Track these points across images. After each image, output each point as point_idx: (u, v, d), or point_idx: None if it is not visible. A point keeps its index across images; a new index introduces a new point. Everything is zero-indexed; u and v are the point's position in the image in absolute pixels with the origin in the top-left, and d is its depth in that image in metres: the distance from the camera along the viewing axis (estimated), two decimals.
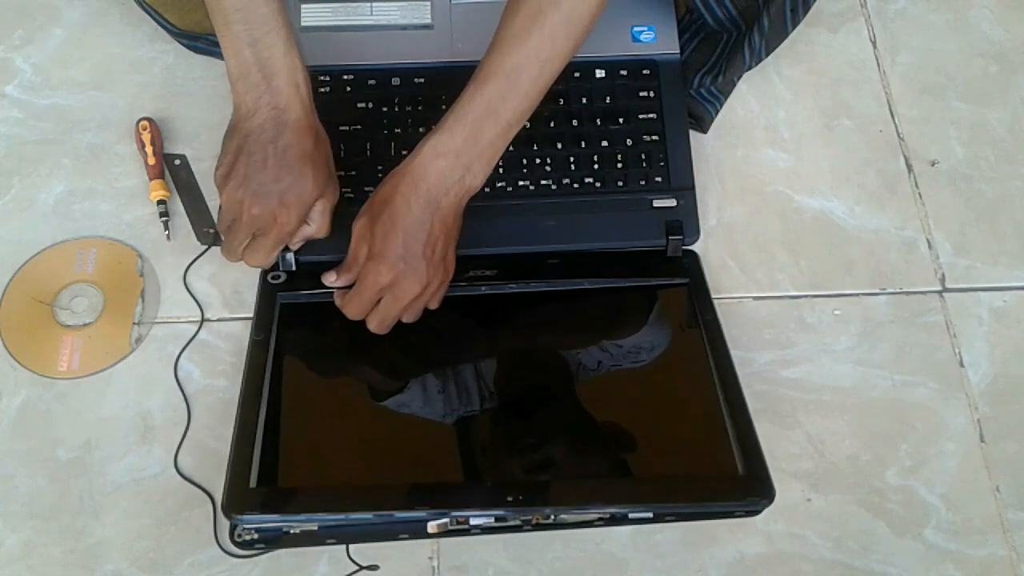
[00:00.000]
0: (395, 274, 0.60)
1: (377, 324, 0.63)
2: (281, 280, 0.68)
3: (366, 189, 0.71)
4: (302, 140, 0.60)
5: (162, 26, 0.77)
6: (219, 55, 0.78)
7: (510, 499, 0.55)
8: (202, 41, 0.78)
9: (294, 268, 0.68)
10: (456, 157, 0.60)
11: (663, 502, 0.56)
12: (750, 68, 0.76)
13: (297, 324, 0.67)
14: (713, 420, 0.62)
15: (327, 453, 0.61)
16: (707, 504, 0.56)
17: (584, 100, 0.74)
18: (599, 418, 0.64)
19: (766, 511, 0.59)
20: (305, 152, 0.61)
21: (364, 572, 0.61)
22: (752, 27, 0.73)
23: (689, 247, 0.71)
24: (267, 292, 0.68)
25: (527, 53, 0.58)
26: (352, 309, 0.63)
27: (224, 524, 0.61)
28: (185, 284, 0.71)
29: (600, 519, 0.58)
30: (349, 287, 0.63)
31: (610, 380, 0.66)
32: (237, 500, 0.54)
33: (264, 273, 0.69)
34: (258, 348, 0.64)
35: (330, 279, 0.64)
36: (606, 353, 0.68)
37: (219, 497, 0.63)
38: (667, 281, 0.70)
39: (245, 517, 0.54)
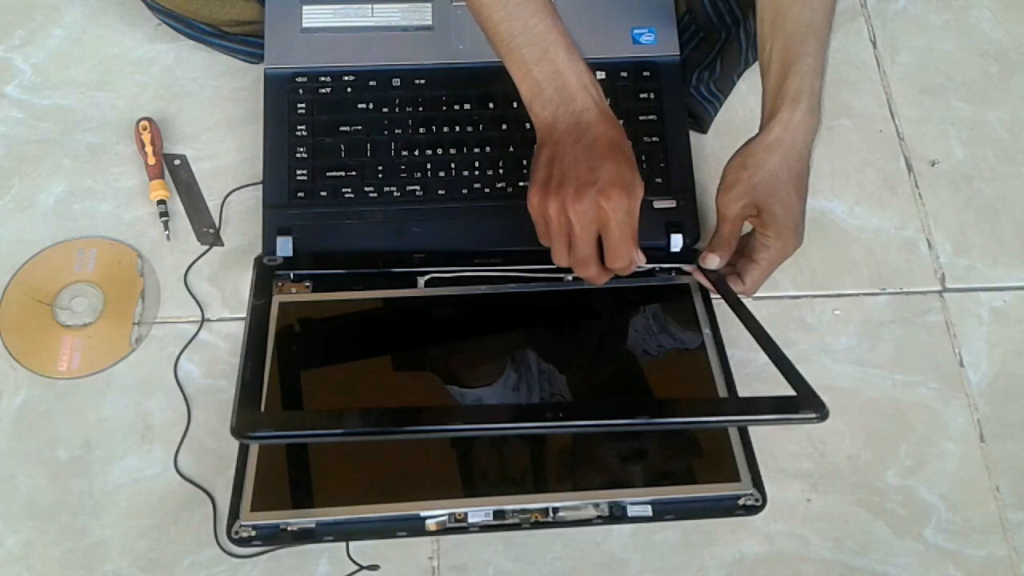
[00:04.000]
0: (799, 244, 0.63)
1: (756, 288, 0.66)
2: (277, 263, 0.68)
3: (366, 189, 0.71)
4: (608, 131, 0.59)
5: (148, 5, 0.77)
6: (204, 40, 0.79)
7: (549, 415, 0.52)
8: (180, 22, 0.77)
9: (291, 254, 0.68)
10: (819, 108, 0.61)
11: (716, 415, 0.55)
12: (747, 60, 0.76)
13: (293, 317, 0.67)
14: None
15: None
16: (759, 416, 0.55)
17: None
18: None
19: (766, 511, 0.59)
20: (614, 141, 0.59)
21: (364, 572, 0.61)
22: (747, 15, 0.73)
23: (691, 247, 0.72)
24: (263, 274, 0.67)
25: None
26: (755, 288, 0.65)
27: (224, 524, 0.61)
28: (186, 284, 0.71)
29: (600, 517, 0.58)
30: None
31: (613, 378, 0.66)
32: (248, 420, 0.52)
33: (259, 258, 0.68)
34: (260, 310, 0.63)
35: (713, 262, 0.65)
36: (608, 352, 0.68)
37: (219, 497, 0.63)
38: (669, 281, 0.70)
39: (257, 434, 0.51)
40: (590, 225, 0.58)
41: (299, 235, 0.69)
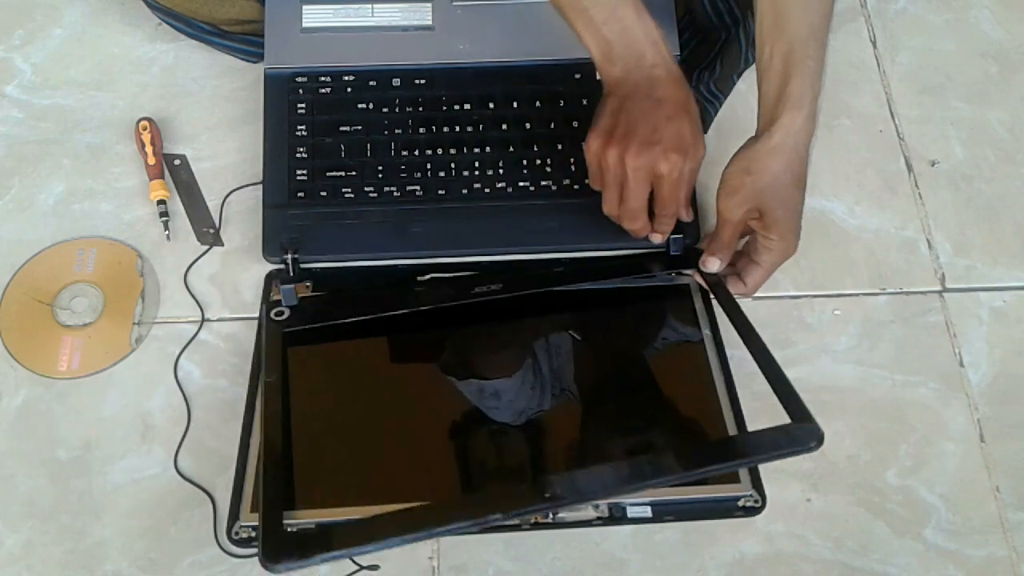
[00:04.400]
0: (797, 244, 0.64)
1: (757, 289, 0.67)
2: (285, 316, 0.66)
3: (366, 189, 0.71)
4: (676, 91, 0.61)
5: (147, 4, 0.77)
6: (204, 39, 0.79)
7: (548, 495, 0.51)
8: (180, 21, 0.77)
9: (296, 303, 0.66)
10: (818, 112, 0.61)
11: (714, 463, 0.54)
12: (747, 60, 0.76)
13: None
14: (716, 416, 0.63)
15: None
16: (758, 457, 0.55)
17: (585, 102, 0.74)
18: (605, 415, 0.64)
19: (766, 511, 0.59)
20: (680, 102, 0.61)
21: (364, 572, 0.61)
22: (746, 15, 0.73)
23: (691, 248, 0.72)
24: (272, 330, 0.66)
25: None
26: (756, 288, 0.66)
27: (224, 524, 0.61)
28: (186, 284, 0.71)
29: (599, 518, 0.58)
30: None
31: (615, 379, 0.66)
32: (276, 548, 0.50)
33: (267, 310, 0.67)
34: (273, 389, 0.61)
35: (714, 265, 0.66)
36: (609, 352, 0.68)
37: (219, 497, 0.63)
38: (669, 282, 0.70)
39: (285, 564, 0.50)
40: (644, 181, 0.61)
41: (301, 239, 0.69)
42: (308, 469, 0.59)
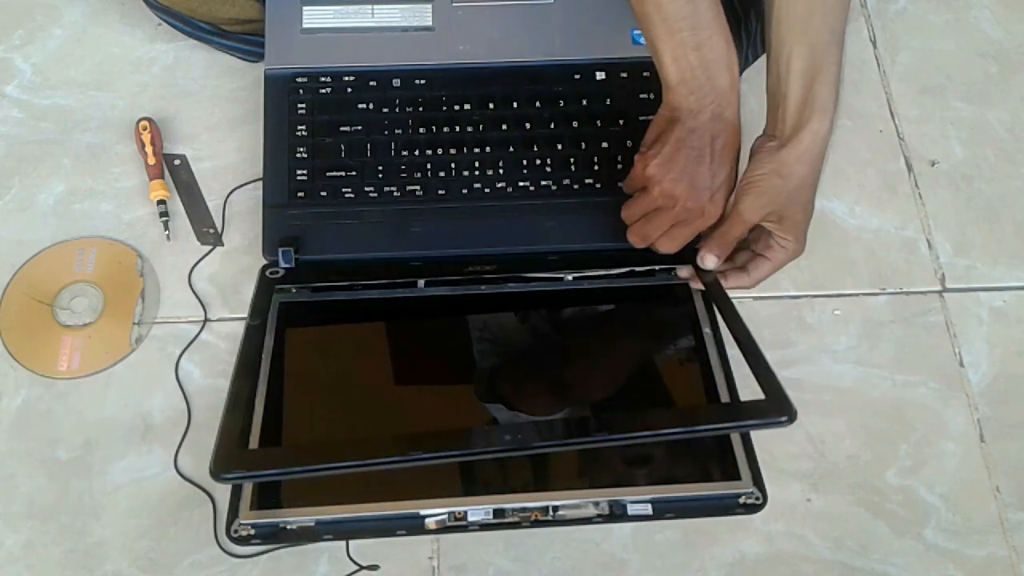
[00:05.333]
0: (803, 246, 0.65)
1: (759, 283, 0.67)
2: (279, 275, 0.68)
3: (366, 189, 0.71)
4: (735, 137, 0.61)
5: (147, 3, 0.77)
6: (204, 39, 0.78)
7: (508, 438, 0.52)
8: (180, 20, 0.77)
9: (293, 265, 0.68)
10: (835, 114, 0.61)
11: (692, 424, 0.55)
12: (747, 59, 0.76)
13: (293, 314, 0.67)
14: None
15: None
16: (726, 425, 0.56)
17: (584, 102, 0.74)
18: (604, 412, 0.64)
19: (766, 511, 0.59)
20: (735, 149, 0.61)
21: (364, 572, 0.61)
22: (748, 13, 0.73)
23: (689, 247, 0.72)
24: (264, 286, 0.67)
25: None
26: (757, 283, 0.66)
27: (224, 524, 0.61)
28: (190, 285, 0.71)
29: (600, 516, 0.58)
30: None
31: (615, 378, 0.66)
32: (225, 460, 0.51)
33: (262, 269, 0.68)
34: (254, 331, 0.63)
35: (712, 262, 0.65)
36: (609, 352, 0.68)
37: (219, 497, 0.63)
38: (669, 281, 0.70)
39: (232, 475, 0.51)
40: (678, 216, 0.62)
41: (301, 239, 0.69)
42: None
